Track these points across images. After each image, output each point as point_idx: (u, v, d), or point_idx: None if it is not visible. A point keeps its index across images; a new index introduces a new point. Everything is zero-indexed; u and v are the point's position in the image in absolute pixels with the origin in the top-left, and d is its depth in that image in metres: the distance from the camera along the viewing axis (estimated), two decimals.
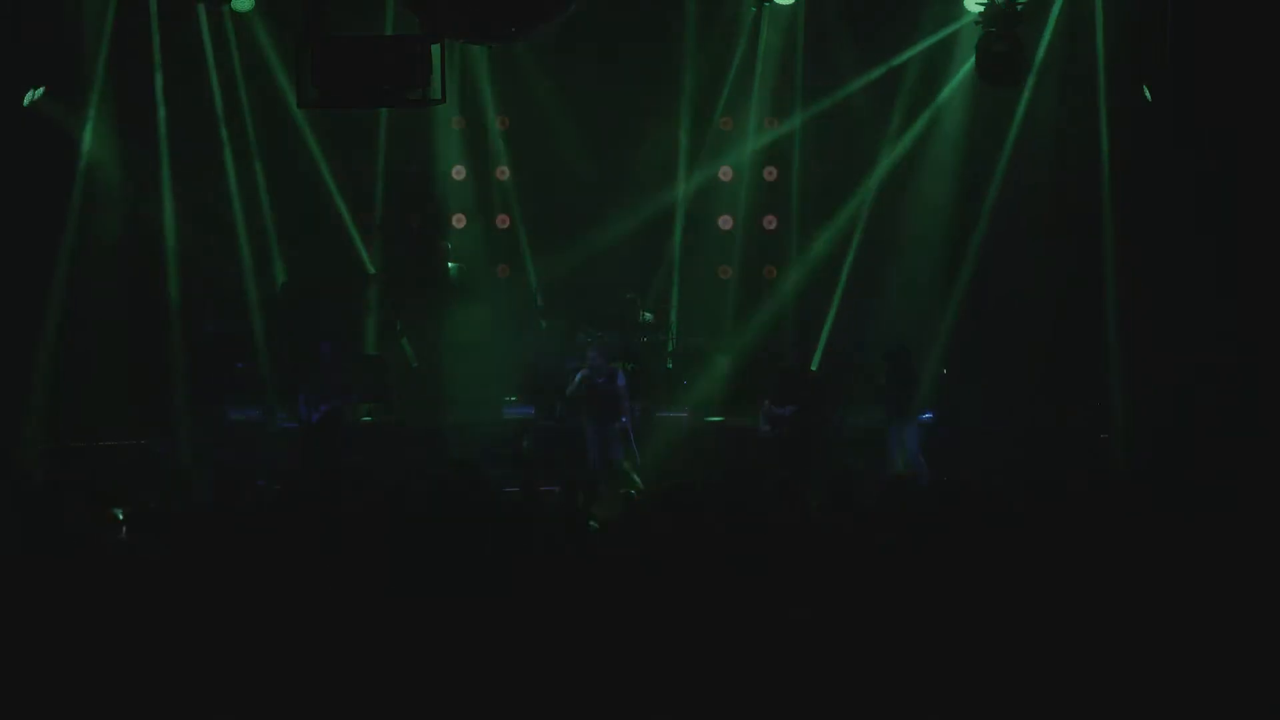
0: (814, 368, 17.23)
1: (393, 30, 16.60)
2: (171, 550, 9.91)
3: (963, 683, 7.79)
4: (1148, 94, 16.94)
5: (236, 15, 17.51)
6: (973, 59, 15.78)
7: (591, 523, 9.47)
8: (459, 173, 18.85)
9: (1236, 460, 13.76)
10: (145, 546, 9.72)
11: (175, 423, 16.31)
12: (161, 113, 17.36)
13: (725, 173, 18.67)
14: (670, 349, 17.83)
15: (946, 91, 17.71)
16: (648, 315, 17.74)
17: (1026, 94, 17.24)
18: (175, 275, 17.37)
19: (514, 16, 9.91)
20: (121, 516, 9.67)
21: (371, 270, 18.09)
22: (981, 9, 14.36)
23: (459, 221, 18.89)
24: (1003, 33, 13.74)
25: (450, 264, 18.24)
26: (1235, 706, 7.69)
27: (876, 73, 17.87)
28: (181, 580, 8.87)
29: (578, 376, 15.63)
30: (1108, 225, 17.24)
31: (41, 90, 16.55)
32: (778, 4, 17.70)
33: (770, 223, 18.79)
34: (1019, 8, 13.93)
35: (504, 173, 18.78)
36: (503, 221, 18.92)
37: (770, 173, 18.79)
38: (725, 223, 18.87)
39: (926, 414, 16.16)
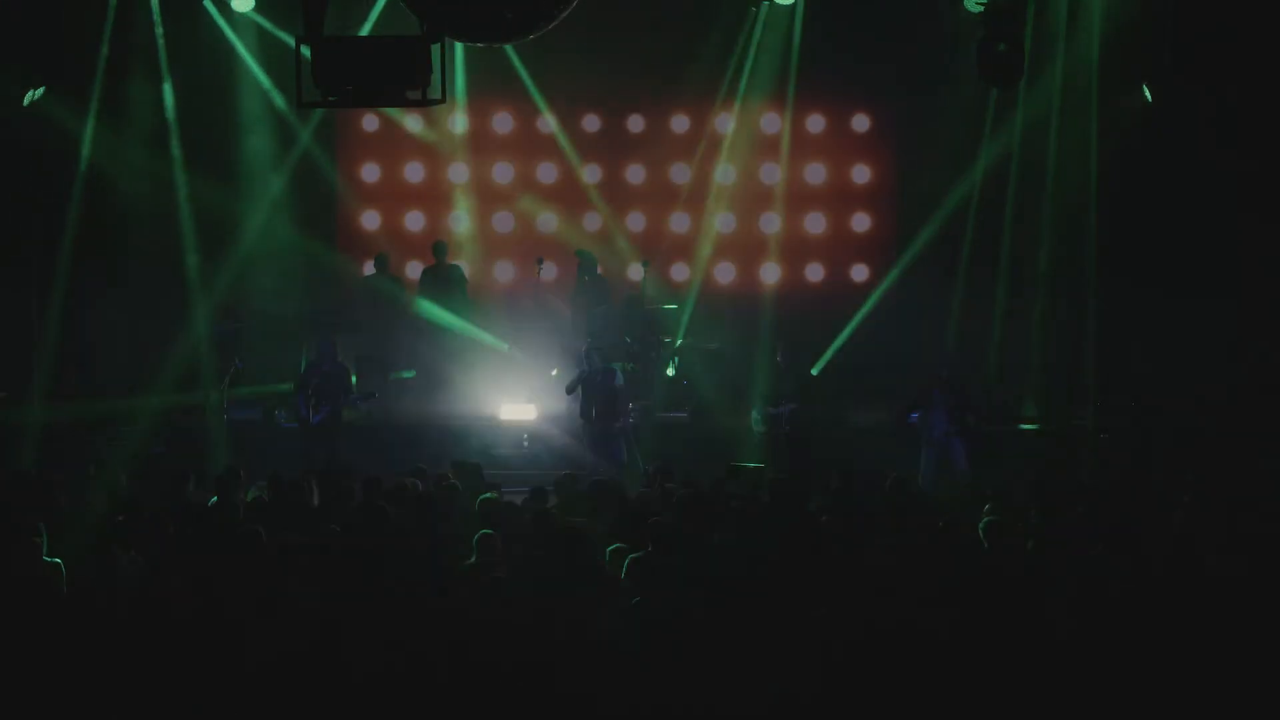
0: (814, 370, 17.20)
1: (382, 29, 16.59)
2: (170, 551, 9.94)
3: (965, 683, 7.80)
4: (1147, 94, 16.96)
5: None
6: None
7: None
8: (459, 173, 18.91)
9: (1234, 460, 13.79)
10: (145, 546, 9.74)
11: (176, 420, 16.26)
12: (170, 103, 17.35)
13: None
14: (671, 348, 17.79)
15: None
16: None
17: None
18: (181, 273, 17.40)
19: (514, 16, 9.89)
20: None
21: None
22: (981, 9, 14.35)
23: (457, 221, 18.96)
24: (1003, 33, 13.72)
25: (455, 264, 18.23)
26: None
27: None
28: (180, 579, 8.88)
29: (578, 375, 15.61)
30: (1091, 224, 17.32)
31: (41, 90, 16.54)
32: (778, 3, 17.69)
33: None
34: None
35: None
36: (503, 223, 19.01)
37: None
38: (725, 223, 18.95)
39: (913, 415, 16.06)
